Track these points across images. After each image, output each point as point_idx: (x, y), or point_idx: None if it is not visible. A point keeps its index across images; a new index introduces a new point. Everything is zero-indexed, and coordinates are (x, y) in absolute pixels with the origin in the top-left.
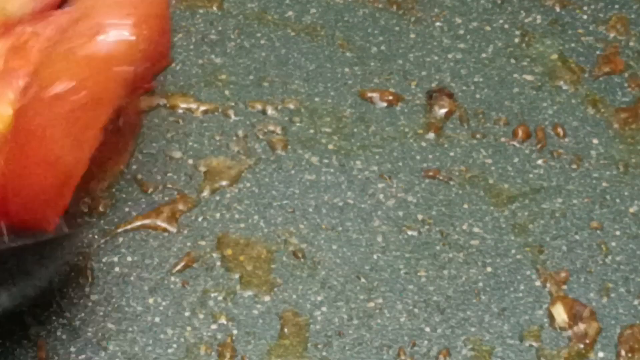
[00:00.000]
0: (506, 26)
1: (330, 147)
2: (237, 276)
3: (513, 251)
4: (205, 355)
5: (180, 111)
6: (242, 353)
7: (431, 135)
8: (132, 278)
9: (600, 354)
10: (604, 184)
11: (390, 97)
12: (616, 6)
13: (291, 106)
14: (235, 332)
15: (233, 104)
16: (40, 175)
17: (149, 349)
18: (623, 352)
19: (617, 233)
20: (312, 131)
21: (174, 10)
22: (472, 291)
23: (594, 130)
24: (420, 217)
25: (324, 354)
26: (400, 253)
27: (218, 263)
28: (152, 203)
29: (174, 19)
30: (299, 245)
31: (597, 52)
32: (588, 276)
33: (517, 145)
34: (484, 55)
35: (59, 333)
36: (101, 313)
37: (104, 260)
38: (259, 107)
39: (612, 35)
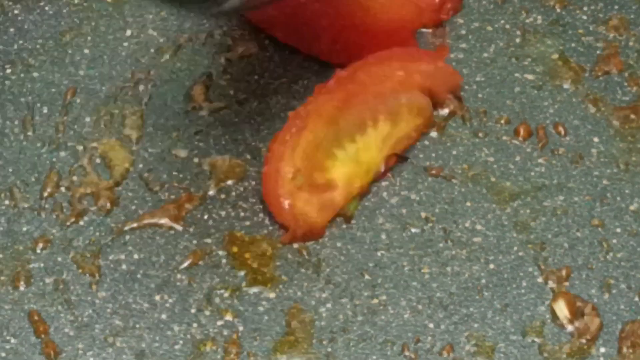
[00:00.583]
0: (507, 26)
1: None
2: (242, 273)
3: (515, 248)
4: (212, 351)
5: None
6: (248, 349)
7: (434, 134)
8: (139, 275)
9: (602, 350)
10: (605, 182)
11: None
12: (616, 7)
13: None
14: (241, 328)
15: (238, 103)
16: None
17: (156, 345)
18: (624, 348)
19: (618, 230)
20: None
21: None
22: (474, 288)
23: (595, 128)
24: (423, 214)
25: (329, 350)
26: (403, 250)
27: (224, 260)
28: (158, 201)
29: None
30: (304, 243)
31: (597, 52)
32: (589, 273)
33: (519, 143)
34: (485, 55)
35: (66, 330)
36: (108, 310)
37: (111, 257)
38: (263, 106)
39: (611, 35)
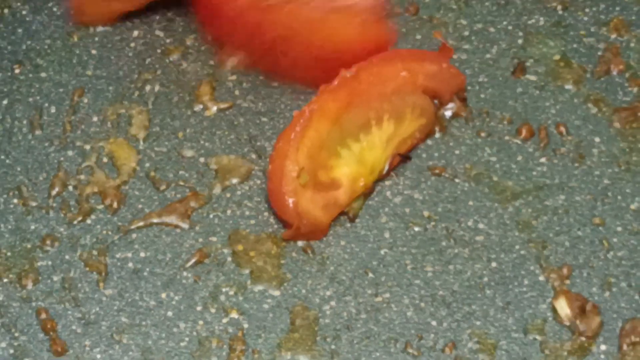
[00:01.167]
0: (510, 27)
1: None
2: (247, 271)
3: (517, 247)
4: (217, 348)
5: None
6: (253, 346)
7: (437, 134)
8: (145, 273)
9: (603, 347)
10: (606, 181)
11: None
12: (617, 8)
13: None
14: (246, 326)
15: (244, 103)
16: None
17: (162, 342)
18: (625, 346)
19: (619, 229)
20: None
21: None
22: (477, 286)
23: (596, 128)
24: (426, 213)
25: (333, 347)
26: (407, 248)
27: (229, 259)
28: (164, 200)
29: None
30: (308, 241)
31: (599, 53)
32: (590, 271)
33: (521, 143)
34: (488, 55)
35: (74, 327)
36: (115, 307)
37: (117, 256)
38: (269, 106)
39: (613, 36)
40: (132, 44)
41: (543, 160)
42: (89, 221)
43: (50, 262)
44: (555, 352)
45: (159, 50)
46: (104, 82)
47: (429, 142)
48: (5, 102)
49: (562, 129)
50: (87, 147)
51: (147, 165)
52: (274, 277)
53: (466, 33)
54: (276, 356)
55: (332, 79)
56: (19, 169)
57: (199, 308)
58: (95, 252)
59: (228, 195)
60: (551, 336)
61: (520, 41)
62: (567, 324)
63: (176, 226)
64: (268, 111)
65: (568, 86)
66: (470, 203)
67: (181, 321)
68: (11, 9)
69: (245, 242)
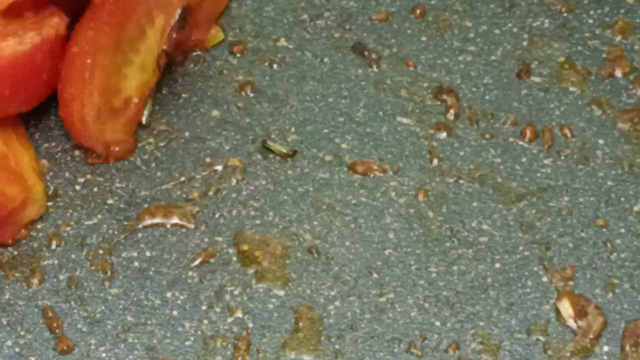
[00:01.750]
0: (515, 30)
1: (344, 146)
2: (252, 271)
3: (521, 248)
4: (222, 347)
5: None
6: (258, 346)
7: (442, 135)
8: (150, 273)
9: (605, 348)
10: (609, 183)
11: (403, 98)
12: (622, 11)
13: (306, 106)
14: (250, 325)
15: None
16: None
17: (167, 341)
18: (627, 346)
19: (622, 231)
20: (326, 131)
21: None
22: (481, 287)
23: (600, 130)
24: (430, 214)
25: (337, 347)
26: (411, 249)
27: (234, 258)
28: (170, 200)
29: None
30: (313, 242)
31: (603, 55)
32: (593, 272)
33: (525, 145)
34: (493, 57)
35: (79, 325)
36: (121, 306)
37: (123, 255)
38: (274, 107)
39: (617, 38)
40: None
41: (547, 162)
42: (95, 220)
43: (56, 261)
44: (558, 352)
45: None
46: None
47: (434, 143)
48: None
49: (567, 130)
50: None
51: (153, 165)
52: (278, 277)
53: (471, 35)
54: (280, 355)
55: None
56: None
57: (204, 307)
58: (101, 251)
59: (234, 195)
60: (554, 337)
61: (525, 43)
62: (570, 324)
63: (182, 226)
64: (272, 112)
65: (572, 88)
66: (475, 204)
67: (186, 320)
68: None
69: (251, 242)
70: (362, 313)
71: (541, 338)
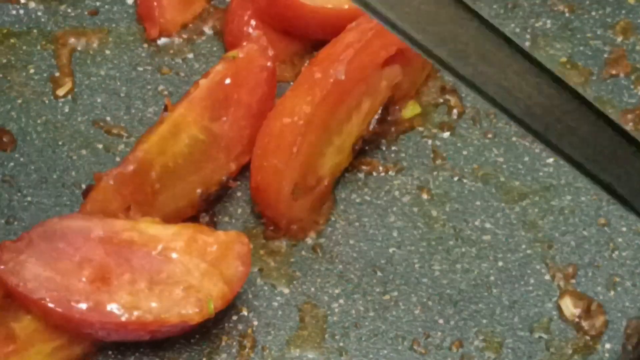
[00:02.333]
0: (517, 30)
1: None
2: (257, 269)
3: (523, 246)
4: (227, 345)
5: None
6: (262, 343)
7: (445, 134)
8: None
9: (607, 345)
10: None
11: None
12: (623, 11)
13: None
14: (255, 323)
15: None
16: None
17: (173, 338)
18: (629, 345)
19: (624, 229)
20: None
21: None
22: (483, 285)
23: None
24: (434, 213)
25: (341, 344)
26: (414, 248)
27: None
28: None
29: None
30: (318, 240)
31: (605, 55)
32: (595, 270)
33: (528, 144)
34: None
35: None
36: None
37: None
38: None
39: (619, 39)
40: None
41: (550, 161)
42: None
43: None
44: (560, 350)
45: None
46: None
47: (437, 142)
48: None
49: None
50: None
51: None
52: (283, 275)
53: None
54: (285, 353)
55: None
56: (33, 167)
57: None
58: None
59: (239, 194)
60: (556, 335)
61: (527, 43)
62: (572, 322)
63: None
64: None
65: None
66: (478, 203)
67: None
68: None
69: (255, 240)
70: (366, 311)
71: (543, 335)
